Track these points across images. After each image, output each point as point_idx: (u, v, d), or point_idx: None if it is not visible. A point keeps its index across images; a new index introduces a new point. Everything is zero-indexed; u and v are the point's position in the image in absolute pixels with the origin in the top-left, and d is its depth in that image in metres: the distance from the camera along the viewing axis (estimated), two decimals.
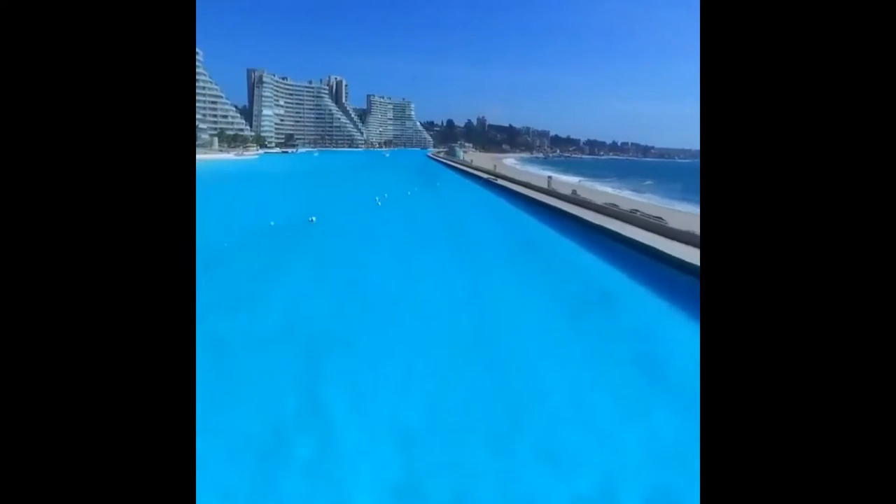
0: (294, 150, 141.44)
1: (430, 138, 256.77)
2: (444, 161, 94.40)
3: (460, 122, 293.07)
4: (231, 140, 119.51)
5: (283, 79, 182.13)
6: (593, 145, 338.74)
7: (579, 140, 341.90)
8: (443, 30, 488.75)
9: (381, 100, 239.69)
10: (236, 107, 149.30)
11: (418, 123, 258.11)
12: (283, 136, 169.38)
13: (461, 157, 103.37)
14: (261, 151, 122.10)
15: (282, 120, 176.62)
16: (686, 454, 6.16)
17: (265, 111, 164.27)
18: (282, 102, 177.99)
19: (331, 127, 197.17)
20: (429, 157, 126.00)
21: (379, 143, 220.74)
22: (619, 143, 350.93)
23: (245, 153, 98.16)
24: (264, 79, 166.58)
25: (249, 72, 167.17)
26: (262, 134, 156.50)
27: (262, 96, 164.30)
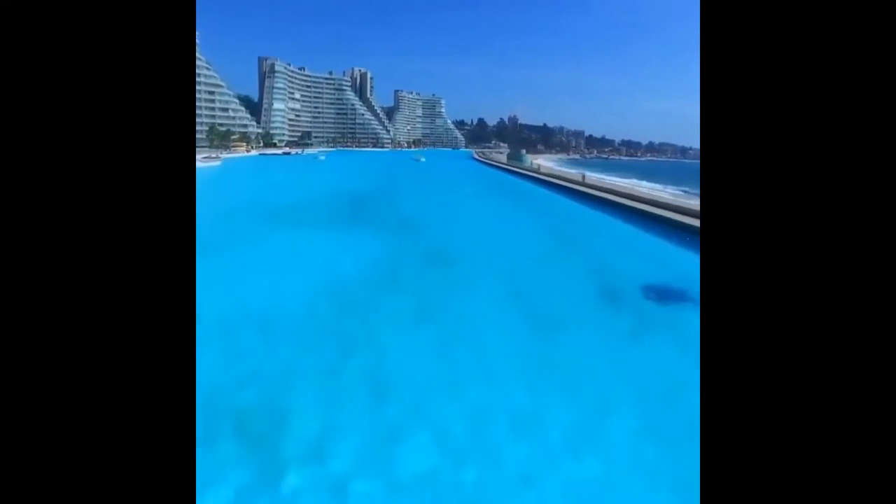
0: (300, 150, 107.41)
1: (461, 137, 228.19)
2: (518, 172, 52.12)
3: (491, 122, 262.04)
4: (220, 137, 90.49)
5: (301, 69, 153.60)
6: (628, 146, 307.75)
7: (614, 140, 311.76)
8: (466, 29, 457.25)
9: (410, 96, 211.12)
10: (244, 100, 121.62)
11: (449, 122, 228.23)
12: (298, 134, 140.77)
13: (529, 164, 64.89)
14: (253, 152, 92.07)
15: (297, 115, 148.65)
16: None
17: (276, 105, 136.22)
18: (297, 95, 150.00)
19: (353, 124, 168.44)
20: (476, 160, 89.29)
21: (407, 143, 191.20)
22: (655, 144, 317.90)
23: (213, 157, 62.36)
24: (276, 68, 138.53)
25: (260, 60, 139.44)
26: (272, 131, 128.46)
27: (273, 88, 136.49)
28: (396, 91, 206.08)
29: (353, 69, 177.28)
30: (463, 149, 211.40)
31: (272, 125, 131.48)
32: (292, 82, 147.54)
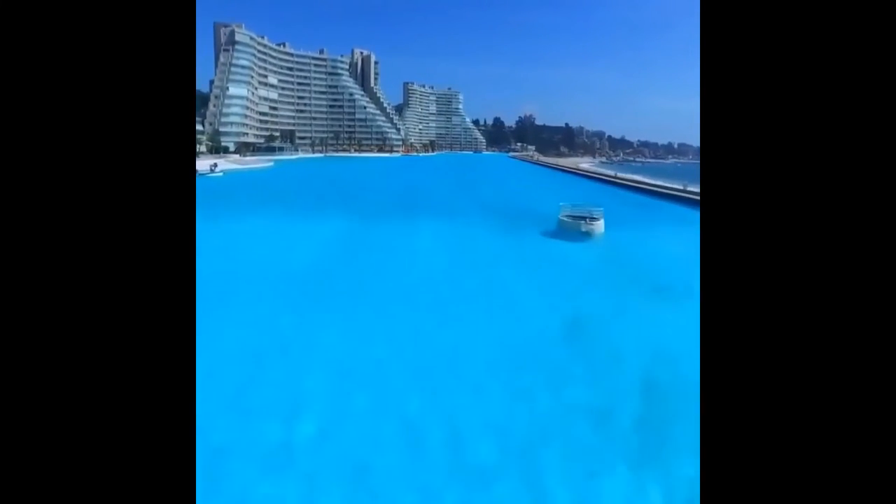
0: (209, 170, 42.95)
1: (481, 138, 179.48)
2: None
3: (508, 121, 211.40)
4: None
5: (280, 45, 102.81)
6: (647, 147, 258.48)
7: (633, 141, 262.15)
8: (472, 28, 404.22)
9: (422, 89, 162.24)
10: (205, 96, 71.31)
11: (468, 120, 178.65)
12: (273, 132, 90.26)
13: None
14: None
15: (272, 108, 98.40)
16: None
17: (236, 90, 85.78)
18: (273, 80, 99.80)
19: (352, 120, 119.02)
20: (549, 167, 39.67)
21: (421, 145, 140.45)
22: (675, 145, 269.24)
23: None
24: (238, 38, 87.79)
25: (217, 27, 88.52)
26: (225, 129, 77.27)
27: (231, 66, 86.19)
28: (406, 83, 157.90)
29: (353, 50, 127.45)
30: (486, 151, 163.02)
31: (225, 120, 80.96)
32: (265, 61, 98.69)
